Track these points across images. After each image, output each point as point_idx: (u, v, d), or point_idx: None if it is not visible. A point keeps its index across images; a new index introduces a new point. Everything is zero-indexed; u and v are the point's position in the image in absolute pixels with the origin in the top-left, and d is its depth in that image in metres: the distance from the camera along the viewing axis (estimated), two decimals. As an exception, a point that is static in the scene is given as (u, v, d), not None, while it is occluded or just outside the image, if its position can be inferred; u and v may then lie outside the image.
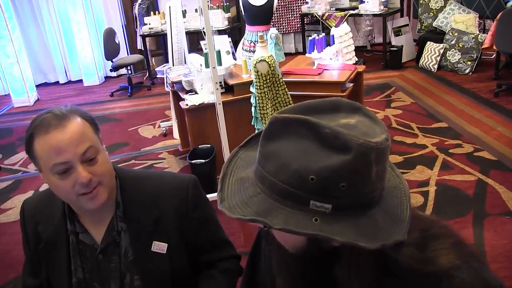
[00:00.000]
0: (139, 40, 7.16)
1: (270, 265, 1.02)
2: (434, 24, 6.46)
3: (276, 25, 7.27)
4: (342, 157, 0.69)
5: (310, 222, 0.71)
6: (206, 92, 3.59)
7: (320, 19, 6.54)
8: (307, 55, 4.06)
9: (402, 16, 7.00)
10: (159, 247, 1.25)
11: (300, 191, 0.71)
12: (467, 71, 5.83)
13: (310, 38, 4.03)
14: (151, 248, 1.24)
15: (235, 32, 6.84)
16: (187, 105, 3.51)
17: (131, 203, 1.25)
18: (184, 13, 5.64)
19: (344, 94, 3.44)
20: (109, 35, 6.54)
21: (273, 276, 0.97)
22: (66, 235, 1.24)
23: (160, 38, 7.19)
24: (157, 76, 6.83)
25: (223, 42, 3.81)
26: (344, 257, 0.79)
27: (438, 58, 6.05)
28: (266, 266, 1.06)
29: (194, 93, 3.69)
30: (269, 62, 3.13)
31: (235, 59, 3.86)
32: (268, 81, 3.15)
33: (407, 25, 6.78)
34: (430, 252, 0.79)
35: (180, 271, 1.29)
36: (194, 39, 6.76)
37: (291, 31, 7.46)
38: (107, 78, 7.75)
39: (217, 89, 3.03)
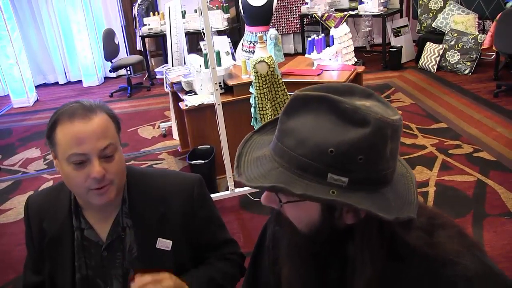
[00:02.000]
0: (138, 40, 7.16)
1: (275, 259, 1.02)
2: (434, 24, 6.46)
3: (276, 25, 7.27)
4: (360, 131, 0.72)
5: (328, 194, 0.74)
6: (205, 93, 3.59)
7: (319, 19, 6.54)
8: (306, 55, 4.06)
9: (401, 16, 7.00)
10: (164, 244, 1.25)
11: (318, 164, 0.74)
12: (466, 71, 5.83)
13: (309, 38, 4.03)
14: (156, 245, 1.25)
15: (234, 33, 6.84)
16: (186, 105, 3.51)
17: (137, 200, 1.25)
18: (183, 13, 5.63)
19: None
20: (109, 35, 6.54)
21: (279, 268, 0.97)
22: (71, 231, 1.25)
23: (159, 39, 7.18)
24: (157, 76, 6.84)
25: (223, 43, 3.81)
26: (357, 235, 0.80)
27: (438, 59, 6.06)
28: (270, 261, 1.07)
29: (193, 93, 3.69)
30: (269, 63, 3.13)
31: (234, 59, 3.86)
32: (267, 81, 3.15)
33: (406, 25, 6.78)
34: (436, 238, 0.83)
35: (184, 269, 1.29)
36: (194, 39, 6.76)
37: (291, 31, 7.46)
38: (106, 78, 7.75)
39: (216, 89, 3.03)
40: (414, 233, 0.81)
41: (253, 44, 4.38)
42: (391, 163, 0.77)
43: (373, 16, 6.49)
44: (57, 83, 7.74)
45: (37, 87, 7.19)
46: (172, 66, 4.40)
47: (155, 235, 1.25)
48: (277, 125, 0.81)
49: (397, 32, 6.64)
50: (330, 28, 5.43)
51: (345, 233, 0.82)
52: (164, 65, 5.17)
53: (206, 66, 3.39)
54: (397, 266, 0.83)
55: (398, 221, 0.74)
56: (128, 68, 6.73)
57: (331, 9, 6.70)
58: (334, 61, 3.85)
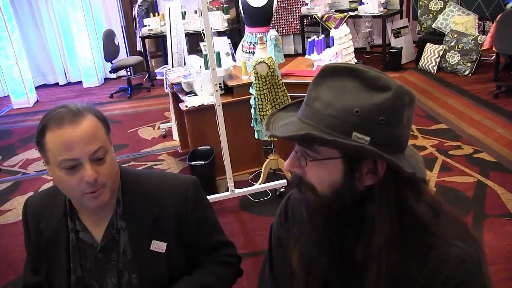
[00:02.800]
0: (138, 41, 7.16)
1: (286, 247, 1.07)
2: (434, 25, 6.46)
3: (276, 26, 7.27)
4: (383, 95, 0.82)
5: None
6: (205, 94, 3.59)
7: (319, 20, 6.55)
8: (306, 56, 4.06)
9: (401, 17, 7.00)
10: (158, 246, 1.25)
11: (345, 123, 0.82)
12: (466, 72, 5.83)
13: (309, 39, 4.03)
14: (150, 247, 1.24)
15: (234, 34, 6.84)
16: (186, 106, 3.51)
17: (131, 202, 1.25)
18: (183, 14, 5.64)
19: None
20: (109, 36, 6.54)
21: (292, 245, 1.02)
22: (67, 232, 1.25)
23: (159, 40, 7.19)
24: (157, 77, 6.84)
25: (223, 44, 3.81)
26: (377, 193, 0.87)
27: (438, 60, 6.06)
28: (284, 249, 1.10)
29: (193, 94, 3.69)
30: (269, 64, 3.13)
31: (234, 60, 3.87)
32: (267, 82, 3.15)
33: (406, 26, 6.78)
34: (441, 221, 0.90)
35: (178, 271, 1.29)
36: (194, 40, 6.76)
37: (291, 32, 7.46)
38: (106, 79, 7.75)
39: (216, 90, 3.03)
40: (422, 205, 0.89)
41: (253, 45, 4.39)
42: (406, 130, 0.87)
43: (373, 17, 6.49)
44: (57, 84, 7.74)
45: (37, 88, 7.19)
46: (172, 67, 4.40)
47: (149, 237, 1.24)
48: (306, 93, 0.89)
49: (397, 33, 6.64)
50: (330, 29, 5.44)
51: (363, 195, 0.89)
52: (164, 66, 5.18)
53: (206, 67, 3.39)
54: (400, 238, 0.88)
55: (415, 177, 0.84)
56: (128, 69, 6.72)
57: (331, 10, 6.70)
58: (334, 62, 3.85)
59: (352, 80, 0.84)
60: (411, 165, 0.88)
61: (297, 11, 7.21)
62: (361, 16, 6.54)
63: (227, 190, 3.34)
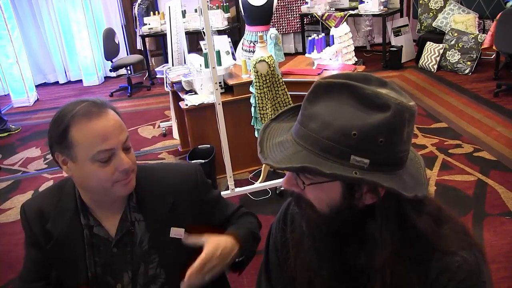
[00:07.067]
0: (138, 40, 7.16)
1: (286, 256, 1.07)
2: (434, 24, 6.45)
3: (276, 25, 7.26)
4: (382, 115, 0.77)
5: (351, 174, 0.79)
6: (205, 92, 3.59)
7: (319, 19, 6.54)
8: (306, 55, 4.06)
9: (401, 16, 6.99)
10: (177, 232, 1.27)
11: (342, 146, 0.78)
12: (466, 71, 5.83)
13: (309, 38, 4.03)
14: (169, 235, 1.26)
15: (234, 32, 6.83)
16: (186, 105, 3.51)
17: (144, 193, 1.27)
18: (183, 13, 5.63)
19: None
20: (109, 35, 6.53)
21: (291, 260, 1.01)
22: (81, 229, 1.24)
23: (159, 38, 7.18)
24: (157, 76, 6.83)
25: (223, 42, 3.81)
26: (378, 214, 0.85)
27: (438, 58, 6.05)
28: (281, 259, 1.09)
29: (193, 93, 3.69)
30: (269, 62, 3.13)
31: (234, 59, 3.86)
32: (267, 81, 3.15)
33: (406, 25, 6.78)
34: (443, 230, 0.88)
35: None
36: (194, 39, 6.76)
37: (291, 31, 7.45)
38: (106, 78, 7.74)
39: (216, 89, 3.03)
40: (423, 217, 0.86)
41: (253, 43, 4.38)
42: (407, 145, 0.83)
43: (373, 15, 6.48)
44: (57, 82, 7.74)
45: (37, 86, 7.19)
46: (172, 65, 4.40)
47: (167, 225, 1.26)
48: (300, 110, 0.85)
49: (397, 32, 6.64)
50: (330, 27, 5.43)
51: (363, 213, 0.86)
52: (164, 64, 5.17)
53: (206, 66, 3.38)
54: (403, 252, 0.87)
55: (417, 198, 0.80)
56: (128, 68, 6.72)
57: (331, 9, 6.69)
58: (334, 60, 3.85)
59: (348, 97, 0.79)
60: (412, 177, 0.85)
61: (297, 10, 7.20)
62: (361, 15, 6.53)
63: (227, 188, 3.34)
